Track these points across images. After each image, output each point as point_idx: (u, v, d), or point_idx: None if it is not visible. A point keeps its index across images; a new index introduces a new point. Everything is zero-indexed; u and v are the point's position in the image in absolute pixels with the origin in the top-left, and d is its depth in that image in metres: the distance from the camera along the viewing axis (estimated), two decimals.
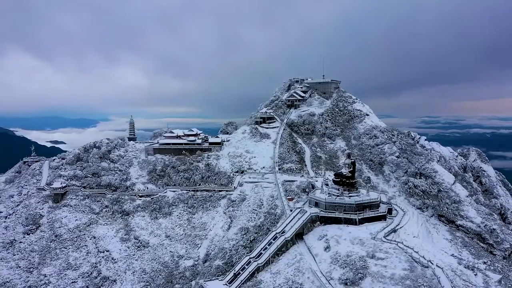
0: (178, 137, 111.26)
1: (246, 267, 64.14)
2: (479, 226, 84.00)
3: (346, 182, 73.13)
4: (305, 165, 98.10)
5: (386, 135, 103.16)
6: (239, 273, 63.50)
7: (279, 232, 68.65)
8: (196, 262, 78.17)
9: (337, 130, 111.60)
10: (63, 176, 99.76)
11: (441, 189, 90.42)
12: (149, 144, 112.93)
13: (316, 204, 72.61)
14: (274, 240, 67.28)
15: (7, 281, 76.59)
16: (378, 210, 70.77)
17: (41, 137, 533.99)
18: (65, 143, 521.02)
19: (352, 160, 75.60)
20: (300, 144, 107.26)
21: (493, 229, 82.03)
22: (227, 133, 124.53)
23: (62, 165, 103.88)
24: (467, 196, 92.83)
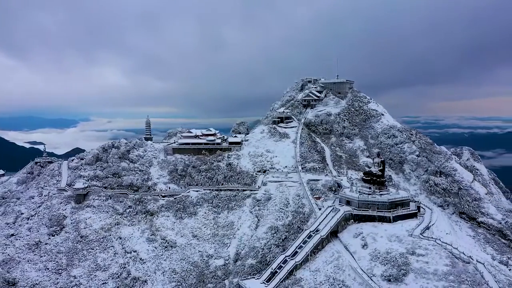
0: (196, 136, 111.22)
1: (283, 265, 64.77)
2: (500, 223, 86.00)
3: (377, 180, 74.31)
4: (327, 164, 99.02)
5: (405, 134, 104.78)
6: (276, 271, 64.11)
7: (313, 231, 69.48)
8: (226, 261, 78.48)
9: (355, 129, 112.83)
10: (83, 177, 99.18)
11: (461, 187, 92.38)
12: (167, 144, 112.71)
13: (348, 203, 73.58)
14: (309, 238, 68.06)
15: (36, 283, 76.13)
16: (409, 208, 72.10)
17: (19, 138, 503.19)
18: (44, 144, 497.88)
19: (382, 159, 76.84)
20: (320, 143, 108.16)
21: None
22: (239, 133, 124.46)
23: (82, 165, 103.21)
24: (486, 194, 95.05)
